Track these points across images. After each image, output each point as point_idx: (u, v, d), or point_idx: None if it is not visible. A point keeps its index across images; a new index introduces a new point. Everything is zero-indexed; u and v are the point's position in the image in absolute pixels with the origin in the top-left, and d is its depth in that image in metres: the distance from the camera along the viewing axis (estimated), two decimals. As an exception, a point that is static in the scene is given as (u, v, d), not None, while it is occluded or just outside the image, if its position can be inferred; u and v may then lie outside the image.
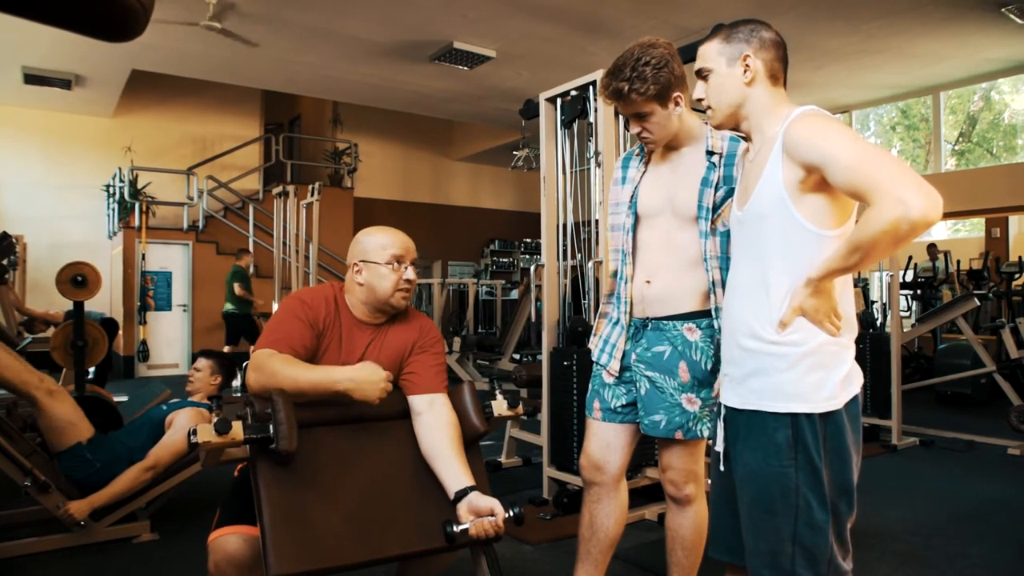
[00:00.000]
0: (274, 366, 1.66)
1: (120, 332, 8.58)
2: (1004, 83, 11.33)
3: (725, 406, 1.51)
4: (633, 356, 1.93)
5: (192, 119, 10.86)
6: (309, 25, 6.79)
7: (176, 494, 3.09)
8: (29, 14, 0.86)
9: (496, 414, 1.94)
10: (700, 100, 1.55)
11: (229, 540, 1.68)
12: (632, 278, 1.94)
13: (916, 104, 11.55)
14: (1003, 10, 6.41)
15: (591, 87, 3.30)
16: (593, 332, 2.08)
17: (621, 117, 3.34)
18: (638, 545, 2.88)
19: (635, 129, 1.89)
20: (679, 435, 1.86)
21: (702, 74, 1.52)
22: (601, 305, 2.09)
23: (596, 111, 3.29)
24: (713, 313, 1.85)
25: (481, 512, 1.63)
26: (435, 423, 1.79)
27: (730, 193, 1.78)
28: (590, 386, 2.04)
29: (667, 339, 1.88)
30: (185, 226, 9.44)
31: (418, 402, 1.83)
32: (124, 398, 6.20)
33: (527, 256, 14.15)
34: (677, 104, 1.82)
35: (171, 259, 9.32)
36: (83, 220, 9.98)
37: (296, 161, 11.26)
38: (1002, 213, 9.72)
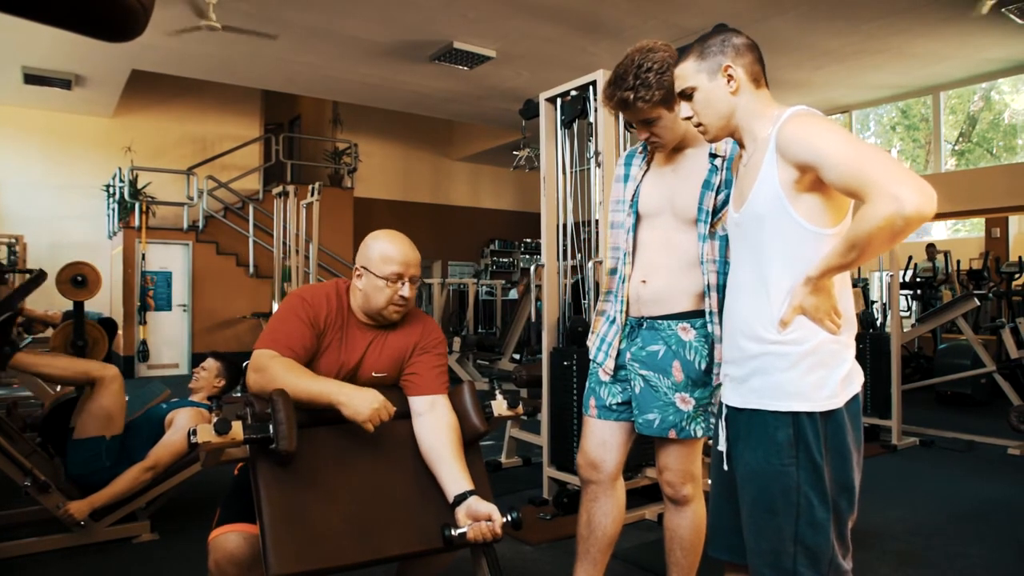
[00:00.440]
0: (275, 371, 1.66)
1: (120, 332, 8.60)
2: (1004, 83, 11.33)
3: (726, 405, 1.51)
4: (628, 355, 1.93)
5: (192, 119, 10.87)
6: (309, 25, 6.79)
7: (176, 494, 3.09)
8: (29, 14, 0.86)
9: (496, 414, 1.94)
10: (688, 119, 1.54)
11: (229, 538, 1.68)
12: (630, 277, 1.94)
13: (916, 104, 11.55)
14: (1003, 10, 6.41)
15: (591, 87, 3.30)
16: (591, 330, 2.08)
17: (621, 118, 3.34)
18: (638, 545, 2.88)
19: (643, 135, 1.88)
20: (672, 434, 1.86)
21: (685, 94, 1.52)
22: (599, 302, 2.09)
23: (596, 111, 3.29)
24: (707, 317, 1.84)
25: (479, 517, 1.63)
26: (435, 425, 1.79)
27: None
28: (587, 384, 2.05)
29: (661, 338, 1.88)
30: (185, 226, 9.44)
31: (419, 403, 1.83)
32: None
33: (527, 256, 14.15)
34: None
35: (171, 259, 9.32)
36: (83, 220, 9.99)
37: (296, 161, 11.26)
38: (1002, 213, 9.73)
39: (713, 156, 1.85)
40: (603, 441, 1.98)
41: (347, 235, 10.50)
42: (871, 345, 4.88)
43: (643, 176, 1.98)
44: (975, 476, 4.06)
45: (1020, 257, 8.58)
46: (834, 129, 1.33)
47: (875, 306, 7.08)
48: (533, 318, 4.32)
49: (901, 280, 7.81)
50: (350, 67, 8.03)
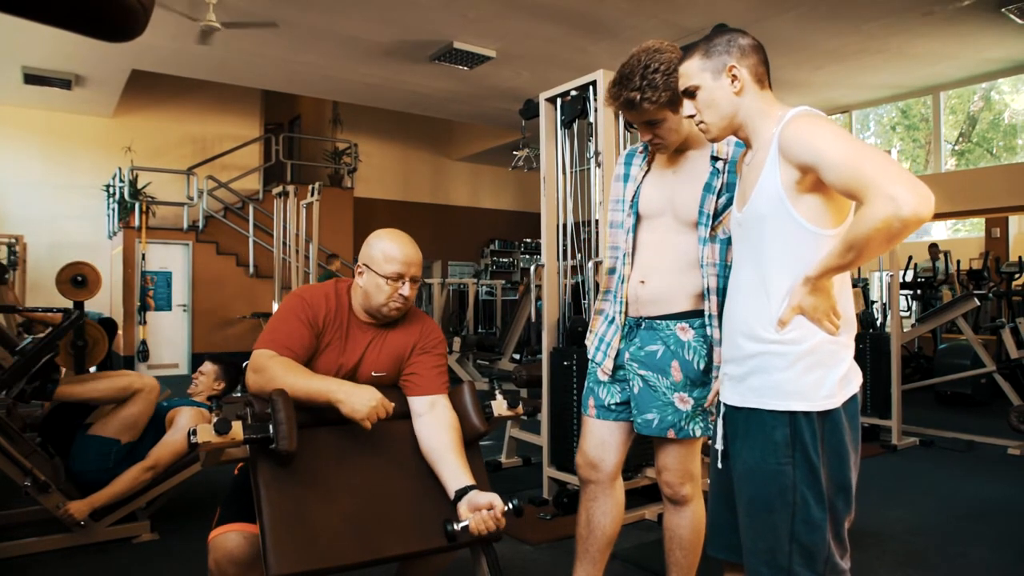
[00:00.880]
0: (274, 371, 1.67)
1: (120, 332, 8.60)
2: (1004, 83, 11.33)
3: (725, 404, 1.52)
4: (627, 355, 1.93)
5: (192, 119, 10.87)
6: (309, 25, 6.79)
7: (176, 494, 3.09)
8: (29, 14, 0.86)
9: (496, 414, 1.94)
10: (691, 117, 1.54)
11: (229, 538, 1.69)
12: (629, 278, 1.94)
13: (916, 104, 11.55)
14: (1003, 10, 6.41)
15: (591, 87, 3.30)
16: (589, 329, 2.08)
17: (621, 118, 3.34)
18: (637, 545, 2.88)
19: (646, 137, 1.87)
20: (671, 434, 1.86)
21: (688, 92, 1.52)
22: (597, 301, 2.08)
23: (596, 111, 3.29)
24: (706, 320, 1.84)
25: (480, 507, 1.63)
26: (436, 424, 1.80)
27: (732, 200, 1.77)
28: (586, 384, 2.05)
29: (660, 338, 1.88)
30: (185, 226, 9.44)
31: (419, 403, 1.83)
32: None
33: (527, 256, 14.15)
34: None
35: (171, 259, 9.32)
36: (83, 220, 9.99)
37: (296, 161, 11.26)
38: (1002, 213, 9.72)
39: (715, 159, 1.85)
40: (602, 441, 1.98)
41: (347, 235, 10.51)
42: (871, 345, 4.88)
43: (644, 177, 1.97)
44: (975, 476, 4.06)
45: (1020, 257, 8.58)
46: (835, 131, 1.33)
47: (875, 306, 7.08)
48: (533, 318, 4.32)
49: (901, 280, 7.81)
50: (350, 67, 8.04)
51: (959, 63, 8.08)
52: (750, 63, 1.47)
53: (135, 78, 8.60)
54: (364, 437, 1.71)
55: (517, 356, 7.14)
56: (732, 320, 1.51)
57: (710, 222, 1.82)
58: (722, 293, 1.77)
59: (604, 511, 1.98)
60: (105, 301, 9.31)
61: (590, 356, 2.04)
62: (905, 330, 5.57)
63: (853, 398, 1.42)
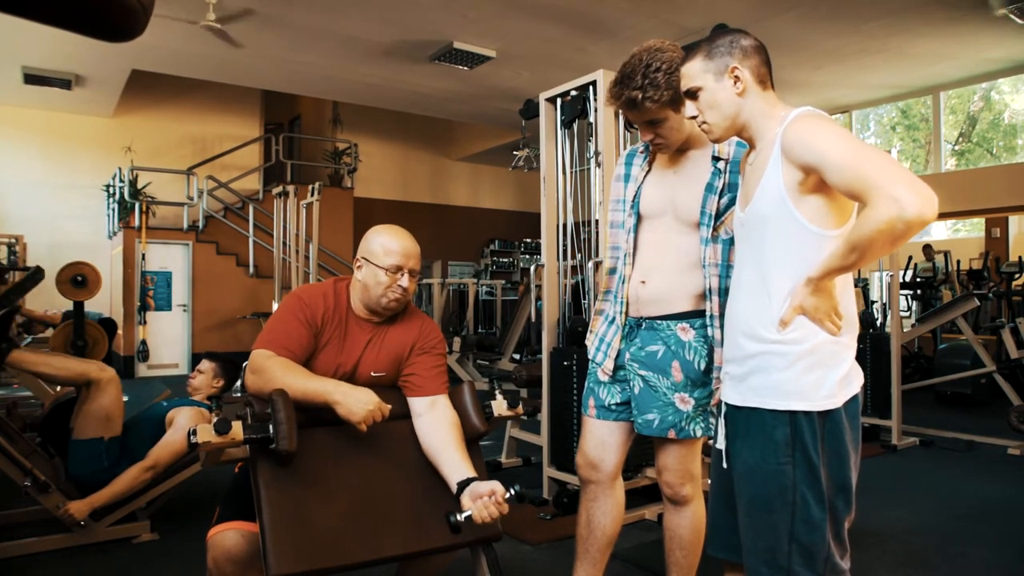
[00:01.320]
0: (272, 371, 1.67)
1: (120, 332, 8.60)
2: (1004, 83, 11.33)
3: (725, 404, 1.52)
4: (627, 355, 1.93)
5: (192, 119, 10.87)
6: (309, 25, 6.79)
7: (176, 494, 3.09)
8: (29, 14, 0.86)
9: (496, 414, 1.94)
10: (693, 118, 1.54)
11: (227, 536, 1.69)
12: (630, 278, 1.94)
13: (916, 104, 11.55)
14: (1003, 10, 6.41)
15: (591, 87, 3.30)
16: (589, 329, 2.08)
17: (621, 118, 3.34)
18: (638, 545, 2.88)
19: (648, 136, 1.86)
20: (672, 434, 1.86)
21: (691, 93, 1.52)
22: (597, 301, 2.08)
23: (596, 111, 3.29)
24: (708, 320, 1.84)
25: (482, 495, 1.62)
26: (436, 421, 1.80)
27: (734, 201, 1.77)
28: (586, 384, 2.04)
29: (660, 339, 1.88)
30: (185, 226, 9.44)
31: (419, 404, 1.84)
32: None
33: (527, 256, 14.15)
34: None
35: (171, 259, 9.32)
36: (83, 220, 9.99)
37: (296, 161, 11.26)
38: (1002, 213, 9.72)
39: (716, 159, 1.84)
40: (602, 441, 1.98)
41: (347, 235, 10.51)
42: (871, 345, 4.88)
43: (645, 177, 1.97)
44: (975, 476, 4.06)
45: (1020, 257, 8.58)
46: (838, 131, 1.33)
47: (875, 306, 7.08)
48: (533, 318, 4.32)
49: (901, 280, 7.82)
50: (350, 67, 8.04)
51: (959, 63, 8.08)
52: (752, 64, 1.47)
53: (135, 78, 8.60)
54: (364, 437, 1.71)
55: (517, 356, 7.14)
56: (733, 320, 1.51)
57: (712, 222, 1.82)
58: (724, 294, 1.76)
59: (604, 511, 1.98)
60: (105, 301, 9.31)
61: (590, 356, 2.03)
62: (905, 330, 5.57)
63: (854, 398, 1.42)
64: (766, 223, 1.41)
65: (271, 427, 1.56)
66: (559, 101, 3.49)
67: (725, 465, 1.52)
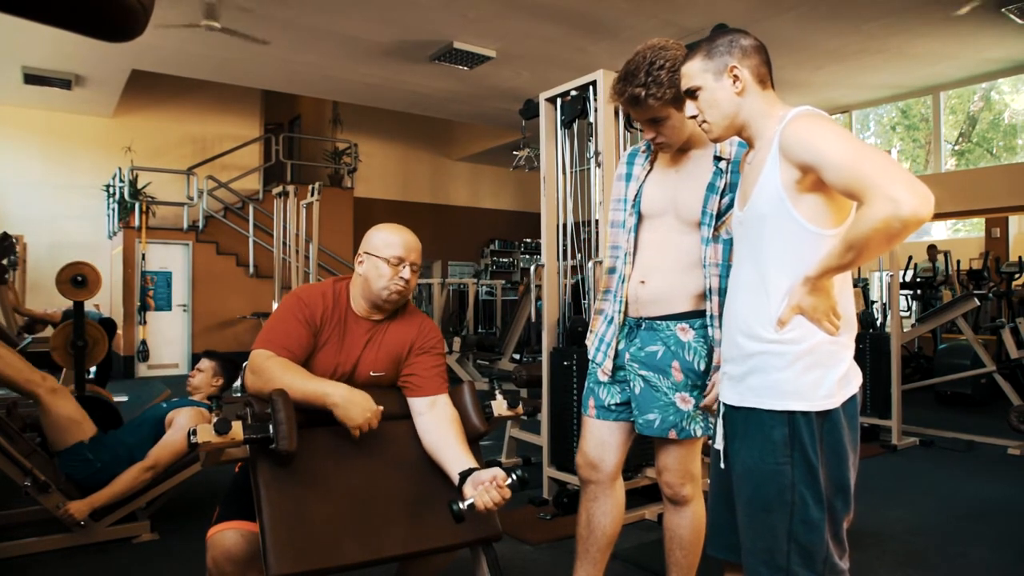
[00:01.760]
0: (272, 371, 1.67)
1: (120, 332, 8.60)
2: (1004, 83, 11.34)
3: (724, 404, 1.52)
4: (627, 355, 1.93)
5: (192, 119, 10.87)
6: (309, 25, 6.79)
7: (176, 494, 3.09)
8: (29, 14, 0.86)
9: (496, 414, 1.94)
10: (693, 117, 1.54)
11: (227, 536, 1.69)
12: (630, 277, 1.94)
13: (916, 104, 11.55)
14: (1003, 10, 6.41)
15: (591, 87, 3.30)
16: (589, 329, 2.08)
17: (622, 118, 3.34)
18: (638, 545, 2.88)
19: (650, 135, 1.86)
20: (673, 434, 1.86)
21: (690, 93, 1.52)
22: (597, 301, 2.08)
23: (596, 111, 3.29)
24: (708, 320, 1.84)
25: (483, 482, 1.62)
26: (437, 419, 1.81)
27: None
28: (586, 384, 2.05)
29: (660, 339, 1.88)
30: (185, 226, 9.44)
31: (419, 404, 1.84)
32: (124, 398, 6.20)
33: (527, 256, 14.16)
34: None
35: (171, 259, 9.32)
36: (83, 220, 9.99)
37: (296, 161, 11.26)
38: (1002, 213, 9.72)
39: (718, 159, 1.84)
40: (602, 441, 1.98)
41: (347, 235, 10.50)
42: (871, 345, 4.88)
43: (646, 176, 1.97)
44: (975, 476, 4.06)
45: (1020, 257, 8.57)
46: (836, 130, 1.33)
47: (875, 306, 7.08)
48: (533, 318, 4.32)
49: (901, 280, 7.81)
50: (350, 67, 8.04)
51: (959, 63, 8.08)
52: (752, 63, 1.47)
53: (135, 78, 8.60)
54: (364, 437, 1.72)
55: (517, 356, 7.14)
56: (732, 319, 1.51)
57: (713, 222, 1.82)
58: (725, 294, 1.76)
59: (604, 511, 1.98)
60: (105, 301, 9.30)
61: (590, 356, 2.03)
62: (905, 330, 5.57)
63: (852, 398, 1.42)
64: (764, 222, 1.41)
65: (271, 427, 1.56)
66: (559, 101, 3.49)
67: (723, 465, 1.52)
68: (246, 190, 10.31)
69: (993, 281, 8.45)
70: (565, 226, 3.56)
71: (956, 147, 12.67)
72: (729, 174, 1.82)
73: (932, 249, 8.85)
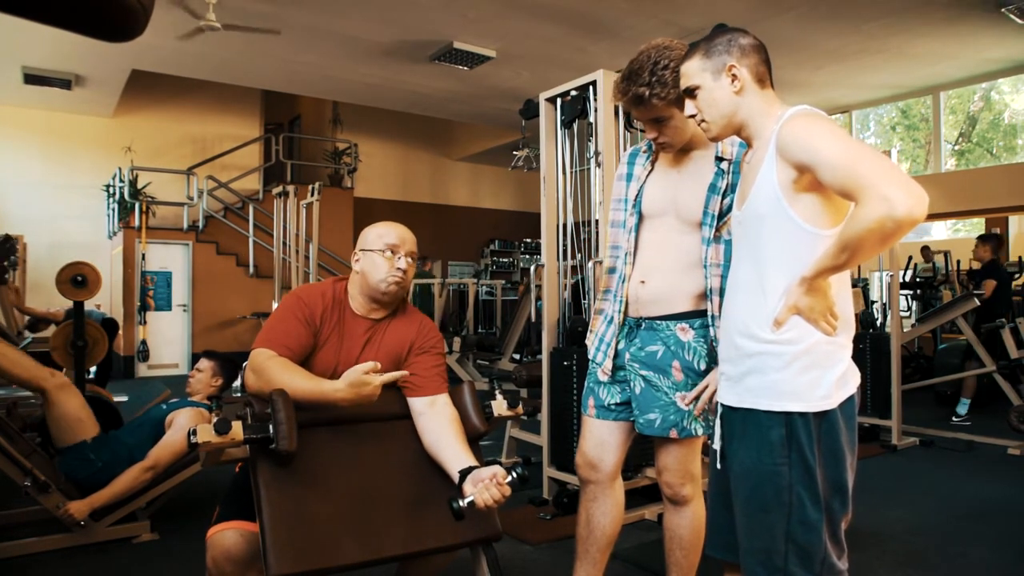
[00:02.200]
0: (272, 371, 1.67)
1: (120, 332, 8.59)
2: (1004, 83, 11.33)
3: (722, 404, 1.52)
4: (627, 355, 1.93)
5: (192, 119, 10.87)
6: (309, 25, 6.79)
7: (176, 494, 3.09)
8: (29, 14, 0.86)
9: (496, 414, 1.94)
10: (692, 116, 1.54)
11: (227, 536, 1.69)
12: (630, 277, 1.94)
13: (916, 104, 11.54)
14: (1003, 10, 6.41)
15: (591, 87, 3.30)
16: (589, 329, 2.08)
17: (622, 118, 3.34)
18: (637, 545, 2.88)
19: (652, 135, 1.86)
20: (673, 433, 1.86)
21: (689, 92, 1.52)
22: (597, 301, 2.08)
23: (596, 111, 3.29)
24: (709, 320, 1.84)
25: (483, 479, 1.61)
26: (437, 418, 1.80)
27: None
28: (586, 384, 2.05)
29: (660, 339, 1.88)
30: (185, 226, 9.45)
31: (419, 403, 1.84)
32: (124, 398, 6.20)
33: (527, 256, 14.16)
34: None
35: (171, 259, 9.32)
36: (83, 220, 9.99)
37: (296, 161, 11.26)
38: (1002, 213, 9.72)
39: (719, 159, 1.84)
40: (602, 441, 1.98)
41: (347, 235, 10.50)
42: (871, 345, 4.88)
43: (647, 176, 1.96)
44: (975, 476, 4.06)
45: (1020, 257, 8.57)
46: (833, 130, 1.33)
47: (875, 306, 7.07)
48: (533, 318, 4.32)
49: (901, 280, 7.81)
50: (350, 67, 8.04)
51: (959, 63, 8.08)
52: (750, 62, 1.47)
53: (135, 78, 8.60)
54: (364, 437, 1.72)
55: (517, 356, 7.13)
56: (730, 319, 1.51)
57: (715, 223, 1.82)
58: (725, 294, 1.76)
59: (604, 511, 1.98)
60: (105, 301, 9.31)
61: (590, 356, 2.03)
62: (905, 330, 5.57)
63: (850, 399, 1.42)
64: (762, 222, 1.41)
65: (271, 427, 1.56)
66: (559, 101, 3.49)
67: (720, 466, 1.52)
68: (246, 190, 10.31)
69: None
70: (565, 226, 3.56)
71: (956, 147, 12.66)
72: (730, 174, 1.82)
73: (926, 250, 8.85)
